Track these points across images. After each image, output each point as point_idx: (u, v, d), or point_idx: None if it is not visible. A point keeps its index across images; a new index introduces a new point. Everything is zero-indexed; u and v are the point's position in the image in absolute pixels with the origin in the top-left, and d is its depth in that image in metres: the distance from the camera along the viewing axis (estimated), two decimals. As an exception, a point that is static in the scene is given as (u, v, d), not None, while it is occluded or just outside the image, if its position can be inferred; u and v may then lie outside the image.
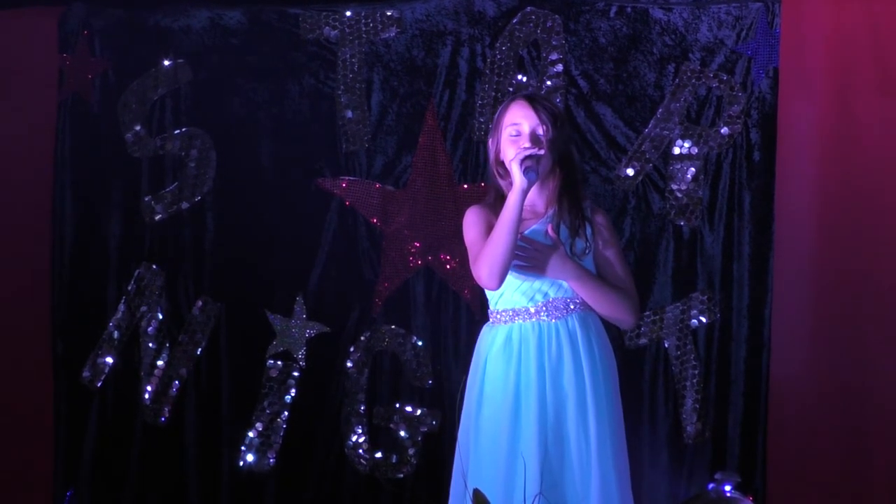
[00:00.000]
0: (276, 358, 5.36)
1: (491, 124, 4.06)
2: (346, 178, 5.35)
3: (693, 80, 5.17)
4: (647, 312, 5.19)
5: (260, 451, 5.35)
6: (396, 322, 5.33)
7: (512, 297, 3.95)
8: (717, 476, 4.34)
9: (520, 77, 5.25)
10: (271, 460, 5.35)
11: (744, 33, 5.13)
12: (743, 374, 5.14)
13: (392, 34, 5.33)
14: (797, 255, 5.05)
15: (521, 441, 3.85)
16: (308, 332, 5.35)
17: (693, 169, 5.17)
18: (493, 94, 5.23)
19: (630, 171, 5.21)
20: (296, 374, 5.36)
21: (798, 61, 5.05)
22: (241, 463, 5.36)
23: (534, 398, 3.87)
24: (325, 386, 5.34)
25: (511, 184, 3.88)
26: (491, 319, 4.01)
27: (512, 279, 3.91)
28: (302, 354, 5.35)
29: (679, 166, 5.18)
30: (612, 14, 5.21)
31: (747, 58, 5.12)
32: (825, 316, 5.02)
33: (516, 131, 3.95)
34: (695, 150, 5.17)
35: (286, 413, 5.34)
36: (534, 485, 3.79)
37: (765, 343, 5.11)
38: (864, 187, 5.01)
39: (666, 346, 5.18)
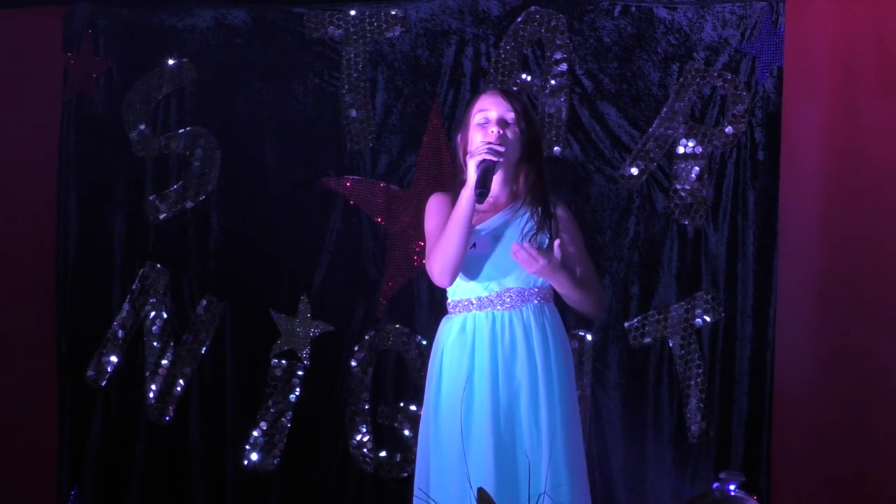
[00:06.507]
0: (280, 357, 5.36)
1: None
2: (351, 177, 5.35)
3: (697, 80, 5.17)
4: (652, 311, 5.20)
5: (264, 450, 5.35)
6: (401, 321, 5.33)
7: (466, 287, 3.96)
8: (722, 475, 4.34)
9: (524, 76, 5.25)
10: (276, 459, 5.35)
11: (748, 33, 5.13)
12: (747, 373, 5.13)
13: (396, 33, 5.33)
14: (801, 254, 5.05)
15: (472, 430, 3.86)
16: (312, 332, 5.35)
17: (697, 168, 5.17)
18: (498, 93, 5.23)
19: (634, 171, 5.21)
20: (300, 373, 5.36)
21: (802, 61, 5.05)
22: (246, 462, 5.37)
23: (486, 387, 3.89)
24: (329, 385, 5.34)
25: None
26: (448, 311, 4.04)
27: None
28: (306, 353, 5.35)
29: (683, 165, 5.18)
30: (616, 13, 5.21)
31: (752, 57, 5.12)
32: (830, 315, 5.02)
33: (484, 118, 3.97)
34: (699, 150, 5.17)
35: (290, 412, 5.34)
36: (488, 476, 3.79)
37: (769, 342, 5.11)
38: (869, 186, 5.01)
39: (670, 345, 5.18)
